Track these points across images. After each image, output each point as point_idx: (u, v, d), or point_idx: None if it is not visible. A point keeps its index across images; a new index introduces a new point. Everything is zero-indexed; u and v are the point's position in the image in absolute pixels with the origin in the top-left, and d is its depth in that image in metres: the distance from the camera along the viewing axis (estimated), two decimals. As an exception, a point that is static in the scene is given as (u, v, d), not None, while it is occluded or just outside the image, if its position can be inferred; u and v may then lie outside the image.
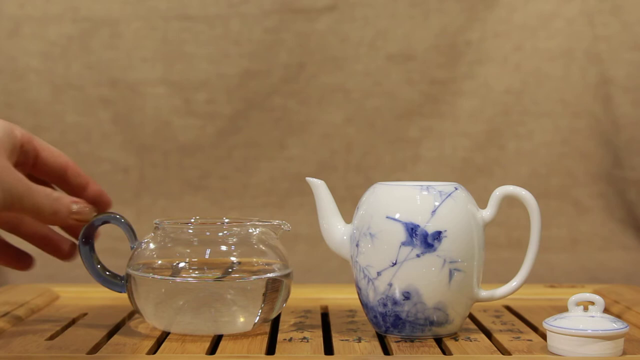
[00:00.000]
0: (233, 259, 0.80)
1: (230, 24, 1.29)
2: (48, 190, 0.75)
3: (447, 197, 0.77)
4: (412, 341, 0.77)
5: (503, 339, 0.78)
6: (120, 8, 1.29)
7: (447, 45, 1.30)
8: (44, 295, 0.96)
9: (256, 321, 0.79)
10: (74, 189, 0.82)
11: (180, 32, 1.29)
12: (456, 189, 0.78)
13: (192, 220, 0.82)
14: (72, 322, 0.86)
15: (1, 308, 0.88)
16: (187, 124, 1.30)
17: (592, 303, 0.74)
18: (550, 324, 0.73)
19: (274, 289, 0.78)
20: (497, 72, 1.29)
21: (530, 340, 0.78)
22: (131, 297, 0.79)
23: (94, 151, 1.30)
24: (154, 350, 0.75)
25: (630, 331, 0.76)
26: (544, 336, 0.78)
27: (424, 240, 0.75)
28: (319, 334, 0.80)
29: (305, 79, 1.30)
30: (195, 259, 0.79)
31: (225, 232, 0.80)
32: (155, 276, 0.78)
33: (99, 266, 0.82)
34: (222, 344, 0.76)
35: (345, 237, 0.80)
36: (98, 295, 0.97)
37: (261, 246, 0.80)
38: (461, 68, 1.30)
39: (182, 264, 0.79)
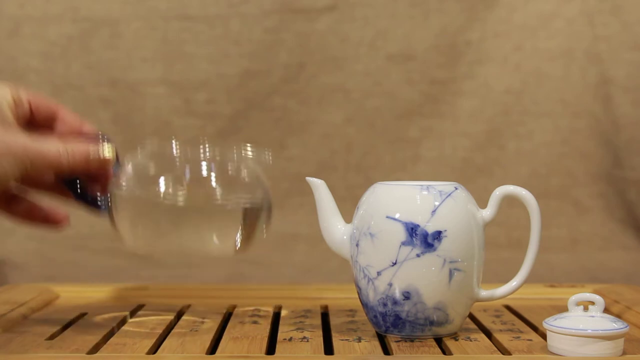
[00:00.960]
0: (213, 180, 0.79)
1: (230, 24, 1.29)
2: (61, 145, 0.74)
3: (447, 197, 0.77)
4: (412, 341, 0.77)
5: (503, 338, 0.78)
6: (120, 8, 1.29)
7: (447, 45, 1.30)
8: (44, 295, 0.96)
9: (237, 245, 0.78)
10: (71, 130, 0.81)
11: (180, 32, 1.29)
12: (456, 188, 0.78)
13: (174, 141, 0.81)
14: (72, 322, 0.86)
15: (1, 308, 0.87)
16: (187, 124, 1.30)
17: (592, 303, 0.74)
18: (550, 323, 0.73)
19: (253, 212, 0.78)
20: (497, 72, 1.29)
21: (530, 340, 0.78)
22: (112, 219, 0.78)
23: (94, 151, 1.30)
24: (153, 350, 0.75)
25: (630, 331, 0.76)
26: (544, 336, 0.78)
27: (424, 240, 0.75)
28: (319, 333, 0.80)
29: (305, 79, 1.30)
30: (176, 180, 0.78)
31: (207, 154, 0.79)
32: (137, 195, 0.77)
33: (79, 191, 0.80)
34: (222, 343, 0.76)
35: (345, 237, 0.80)
36: (98, 295, 0.97)
37: (243, 170, 0.79)
38: (461, 68, 1.30)
39: (162, 184, 0.77)
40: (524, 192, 0.79)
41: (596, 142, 1.29)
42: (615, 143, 1.29)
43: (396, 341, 0.77)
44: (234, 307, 0.92)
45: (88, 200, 0.80)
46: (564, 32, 1.29)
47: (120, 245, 1.31)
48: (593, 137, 1.29)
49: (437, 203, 0.76)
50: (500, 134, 1.30)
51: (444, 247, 0.75)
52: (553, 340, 0.73)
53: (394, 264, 0.76)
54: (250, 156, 0.80)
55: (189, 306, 0.92)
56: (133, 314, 0.89)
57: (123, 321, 0.86)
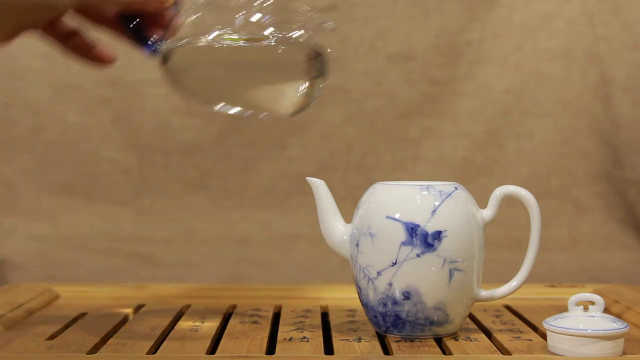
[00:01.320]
0: (273, 29, 0.75)
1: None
2: None
3: (447, 197, 0.77)
4: (412, 341, 0.77)
5: (503, 338, 0.78)
6: (120, 8, 1.29)
7: (447, 45, 1.30)
8: (44, 295, 0.96)
9: (298, 95, 0.76)
10: None
11: (180, 32, 1.29)
12: (456, 188, 0.78)
13: None
14: (72, 322, 0.86)
15: (1, 308, 0.88)
16: (187, 124, 1.30)
17: (592, 303, 0.74)
18: (550, 323, 0.73)
19: (312, 59, 0.75)
20: (497, 72, 1.29)
21: (530, 340, 0.78)
22: (165, 65, 0.76)
23: (94, 151, 1.30)
24: (153, 350, 0.75)
25: (630, 331, 0.76)
26: (544, 336, 0.78)
27: (424, 240, 0.75)
28: (319, 333, 0.80)
29: (305, 79, 1.30)
30: (236, 27, 0.75)
31: (265, 6, 0.76)
32: (194, 42, 0.74)
33: (135, 31, 0.77)
34: (222, 343, 0.76)
35: (345, 237, 0.80)
36: (98, 295, 0.97)
37: (304, 23, 0.76)
38: (461, 68, 1.30)
39: (221, 31, 0.74)
40: (524, 192, 0.79)
41: (596, 142, 1.29)
42: (615, 143, 1.29)
43: (396, 341, 0.77)
44: (234, 307, 0.92)
45: (143, 41, 0.77)
46: (564, 32, 1.29)
47: (120, 246, 1.31)
48: (593, 137, 1.29)
49: (437, 203, 0.76)
50: (500, 134, 1.30)
51: (444, 247, 0.75)
52: (553, 340, 0.73)
53: (394, 264, 0.76)
54: (313, 18, 0.77)
55: (189, 306, 0.93)
56: (133, 314, 0.89)
57: (123, 321, 0.86)
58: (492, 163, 1.30)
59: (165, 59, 0.76)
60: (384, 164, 1.30)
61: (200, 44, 0.75)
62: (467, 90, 1.30)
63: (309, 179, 0.82)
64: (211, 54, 0.75)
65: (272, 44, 0.75)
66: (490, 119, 1.30)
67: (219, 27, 0.75)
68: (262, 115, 0.78)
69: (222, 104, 0.76)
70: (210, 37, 0.75)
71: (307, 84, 0.76)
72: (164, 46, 0.76)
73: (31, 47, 1.29)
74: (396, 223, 0.76)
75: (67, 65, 1.30)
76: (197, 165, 1.31)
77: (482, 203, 0.79)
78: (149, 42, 0.77)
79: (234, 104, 0.76)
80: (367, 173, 1.30)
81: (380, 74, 1.30)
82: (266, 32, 0.75)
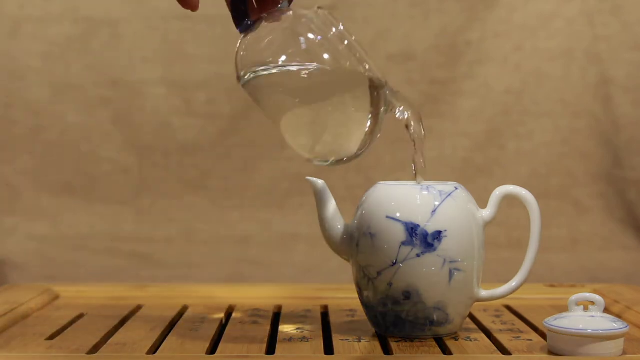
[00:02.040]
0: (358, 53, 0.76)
1: (230, 24, 1.29)
2: None
3: (447, 197, 0.77)
4: (412, 341, 0.77)
5: (503, 338, 0.78)
6: (120, 8, 1.29)
7: (447, 45, 1.30)
8: (44, 295, 0.96)
9: (364, 136, 0.76)
10: None
11: (180, 32, 1.29)
12: (456, 188, 0.78)
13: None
14: (72, 322, 0.86)
15: (1, 308, 0.88)
16: (187, 124, 1.30)
17: (592, 303, 0.74)
18: (550, 323, 0.73)
19: (377, 90, 0.77)
20: (497, 72, 1.29)
21: (530, 340, 0.78)
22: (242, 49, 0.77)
23: (94, 151, 1.30)
24: (153, 350, 0.75)
25: (630, 331, 0.76)
26: (544, 336, 0.78)
27: (424, 240, 0.75)
28: (319, 334, 0.80)
29: (305, 79, 1.30)
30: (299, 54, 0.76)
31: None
32: (271, 70, 0.75)
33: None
34: (222, 343, 0.76)
35: (345, 237, 0.80)
36: (98, 295, 0.97)
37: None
38: (461, 68, 1.30)
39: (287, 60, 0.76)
40: (524, 192, 0.79)
41: (596, 142, 1.29)
42: (615, 143, 1.29)
43: (396, 341, 0.77)
44: (234, 307, 0.92)
45: (241, 14, 0.78)
46: (564, 32, 1.29)
47: (120, 246, 1.31)
48: (593, 137, 1.29)
49: (437, 203, 0.76)
50: (500, 134, 1.30)
51: (444, 247, 0.75)
52: (553, 340, 0.72)
53: (394, 264, 0.76)
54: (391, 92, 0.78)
55: (189, 306, 0.93)
56: (133, 314, 0.89)
57: (123, 321, 0.86)
58: (492, 163, 1.30)
59: (244, 82, 0.76)
60: (384, 164, 1.30)
61: (271, 72, 0.75)
62: (467, 90, 1.30)
63: (309, 178, 0.82)
64: (280, 82, 0.75)
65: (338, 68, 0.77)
66: (490, 119, 1.30)
67: (290, 53, 0.76)
68: (326, 160, 0.78)
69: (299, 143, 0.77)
70: (280, 64, 0.75)
71: (373, 114, 0.77)
72: (253, 29, 0.76)
73: (31, 47, 1.29)
74: (396, 223, 0.76)
75: (67, 65, 1.30)
76: (197, 165, 1.31)
77: (482, 203, 0.79)
78: (245, 19, 0.77)
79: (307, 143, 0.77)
80: (367, 173, 1.30)
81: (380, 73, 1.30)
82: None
